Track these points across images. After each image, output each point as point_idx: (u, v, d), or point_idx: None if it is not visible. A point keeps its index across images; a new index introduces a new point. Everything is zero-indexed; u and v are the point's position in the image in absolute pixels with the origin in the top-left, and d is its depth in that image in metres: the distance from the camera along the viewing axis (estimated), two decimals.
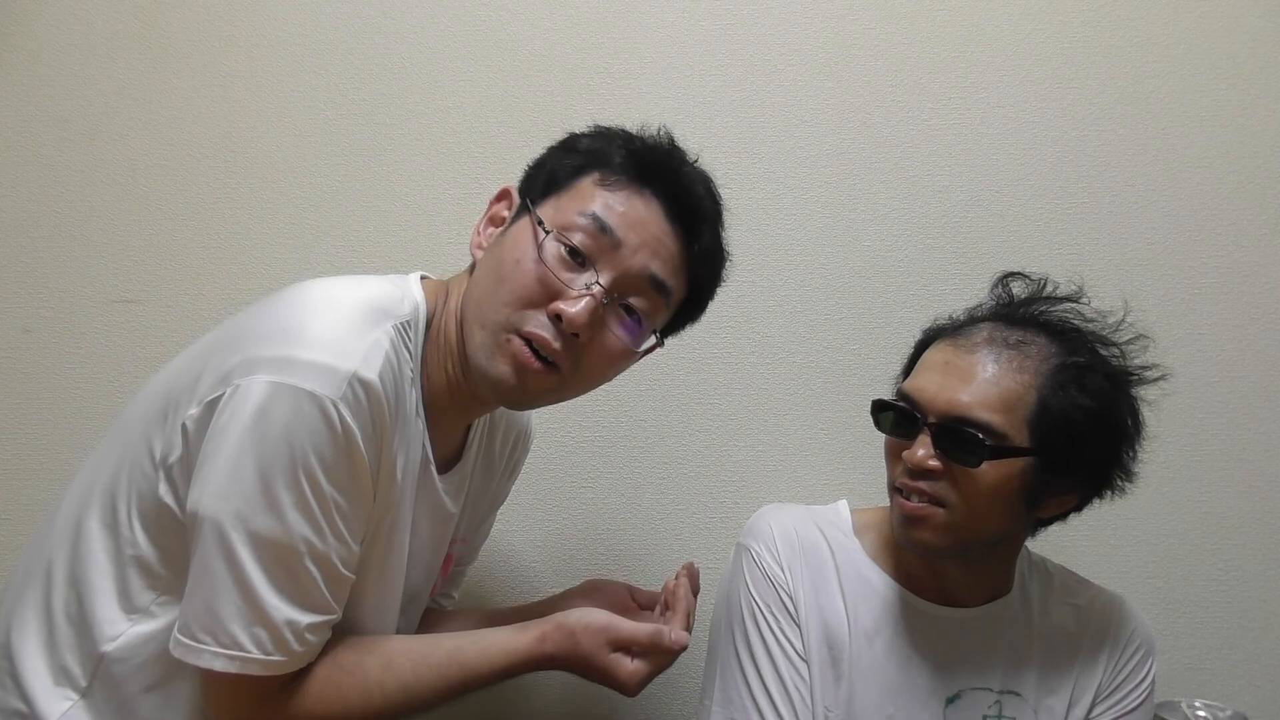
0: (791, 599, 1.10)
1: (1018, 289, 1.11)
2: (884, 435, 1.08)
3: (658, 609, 1.05)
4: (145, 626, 0.89)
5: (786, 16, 1.42)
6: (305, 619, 0.86)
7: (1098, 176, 1.43)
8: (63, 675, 0.90)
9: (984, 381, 1.00)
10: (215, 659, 0.84)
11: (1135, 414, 1.05)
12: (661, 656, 0.95)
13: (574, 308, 0.92)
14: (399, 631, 1.04)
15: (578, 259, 0.94)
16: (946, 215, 1.43)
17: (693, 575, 1.06)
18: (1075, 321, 1.06)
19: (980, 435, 0.98)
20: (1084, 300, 1.08)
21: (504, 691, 1.41)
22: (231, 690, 0.86)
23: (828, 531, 1.14)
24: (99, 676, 0.89)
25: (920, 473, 1.01)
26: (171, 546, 0.88)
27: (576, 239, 0.94)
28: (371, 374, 0.85)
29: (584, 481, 1.42)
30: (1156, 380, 1.06)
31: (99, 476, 0.93)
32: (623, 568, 1.42)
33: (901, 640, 1.09)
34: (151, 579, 0.90)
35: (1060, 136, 1.43)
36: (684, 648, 0.96)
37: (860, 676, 1.07)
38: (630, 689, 0.95)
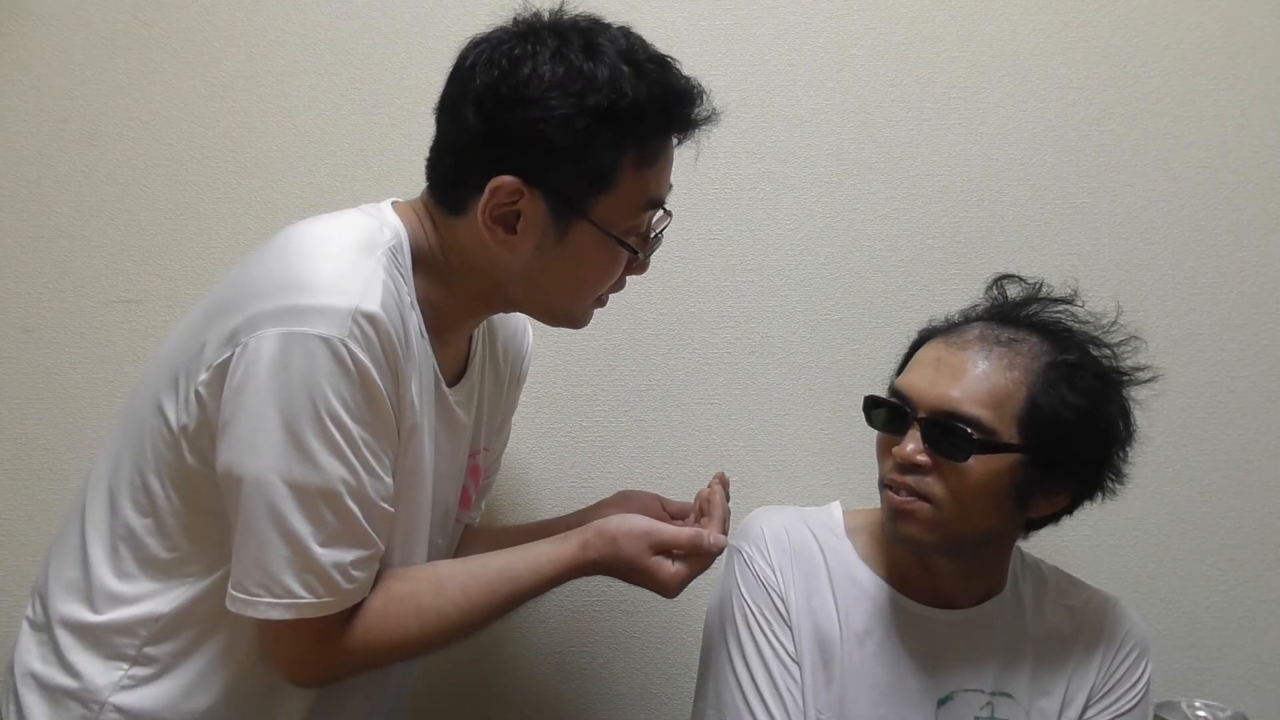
0: (783, 601, 1.10)
1: (1012, 291, 1.12)
2: (876, 432, 1.09)
3: (691, 516, 1.08)
4: (192, 589, 0.92)
5: (786, 16, 1.42)
6: (350, 556, 0.88)
7: (1098, 176, 1.43)
8: (112, 649, 0.92)
9: (974, 377, 1.01)
10: (271, 609, 0.86)
11: (1126, 415, 1.06)
12: (701, 559, 0.99)
13: (646, 265, 1.02)
14: (440, 551, 1.06)
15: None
16: (946, 215, 1.43)
17: (725, 483, 1.09)
18: (1068, 322, 1.07)
19: (969, 430, 0.99)
20: (1079, 303, 1.09)
21: (504, 689, 1.42)
22: (290, 636, 0.89)
23: (819, 533, 1.14)
24: (148, 645, 0.92)
25: (909, 468, 1.02)
26: (210, 508, 0.90)
27: (644, 231, 0.99)
28: (374, 306, 0.86)
29: (584, 481, 1.42)
30: (1148, 381, 1.07)
31: (122, 460, 0.95)
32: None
33: (893, 642, 1.09)
34: (198, 543, 0.92)
35: (1060, 136, 1.43)
36: (722, 550, 1.00)
37: (852, 678, 1.08)
38: (671, 590, 0.98)
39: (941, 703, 1.08)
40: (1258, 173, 1.43)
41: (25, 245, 1.40)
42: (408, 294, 0.93)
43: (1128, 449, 1.07)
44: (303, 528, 0.85)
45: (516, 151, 0.91)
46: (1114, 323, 1.08)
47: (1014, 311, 1.09)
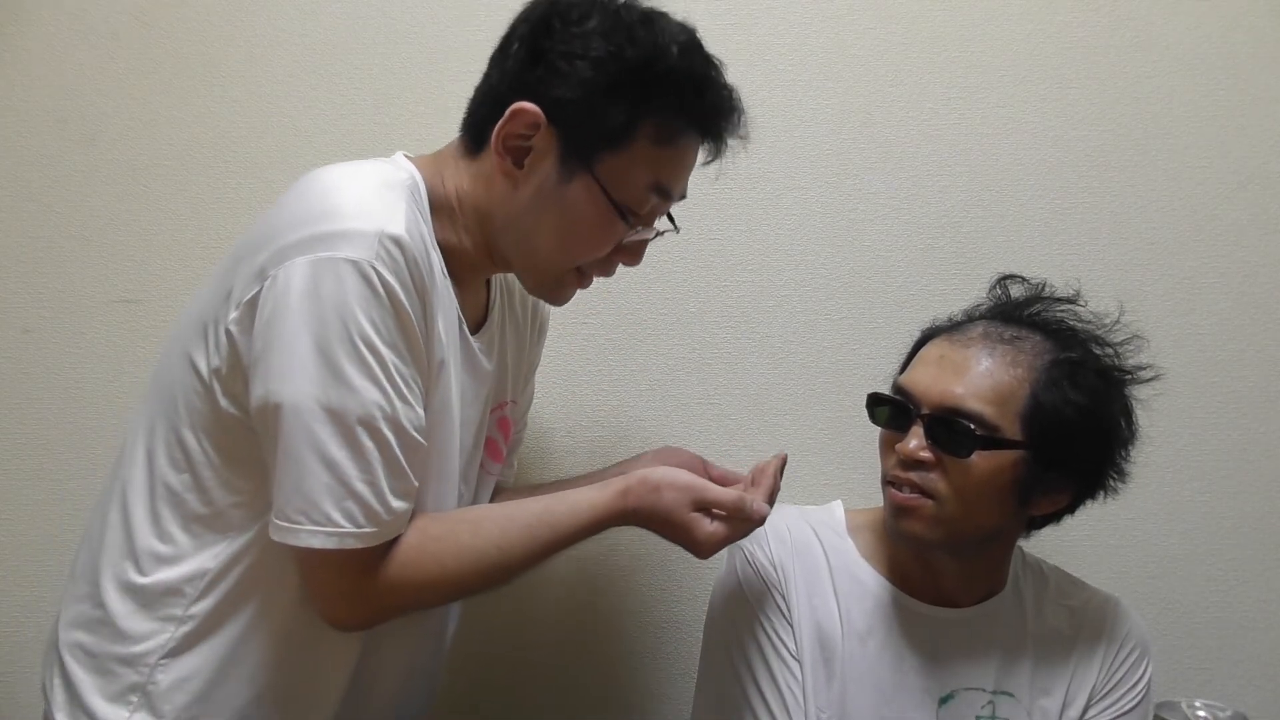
0: (784, 599, 1.10)
1: (1016, 291, 1.13)
2: (879, 429, 1.09)
3: (741, 485, 1.05)
4: (234, 543, 0.92)
5: (786, 16, 1.42)
6: (388, 485, 0.88)
7: (1098, 176, 1.43)
8: (158, 611, 0.93)
9: (977, 374, 1.01)
10: (313, 537, 0.86)
11: (1128, 413, 1.06)
12: (741, 524, 0.97)
13: (640, 256, 1.02)
14: (465, 500, 1.06)
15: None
16: (946, 215, 1.43)
17: (783, 460, 1.07)
18: (1071, 322, 1.08)
19: (972, 426, 0.99)
20: (1081, 303, 1.09)
21: (502, 690, 1.42)
22: (330, 567, 0.88)
23: (821, 532, 1.15)
24: (196, 602, 0.93)
25: (912, 464, 1.02)
26: (247, 455, 0.91)
27: (645, 213, 0.98)
28: (399, 229, 0.87)
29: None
30: (1150, 380, 1.07)
31: (157, 422, 0.95)
32: (623, 567, 1.42)
33: (895, 640, 1.09)
34: (235, 495, 0.92)
35: (1060, 136, 1.43)
36: (763, 519, 0.98)
37: (853, 677, 1.08)
38: (705, 550, 0.97)
39: (943, 701, 1.08)
40: (1258, 173, 1.43)
41: (25, 245, 1.40)
42: (428, 232, 0.94)
43: (1130, 448, 1.07)
44: (340, 454, 0.85)
45: (544, 79, 0.93)
46: (1116, 322, 1.08)
47: (1017, 310, 1.09)
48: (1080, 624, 1.12)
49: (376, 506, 0.87)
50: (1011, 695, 1.09)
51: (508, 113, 0.93)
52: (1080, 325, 1.08)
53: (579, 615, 1.42)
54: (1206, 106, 1.43)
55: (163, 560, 0.93)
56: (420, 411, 0.90)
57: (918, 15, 1.43)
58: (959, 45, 1.43)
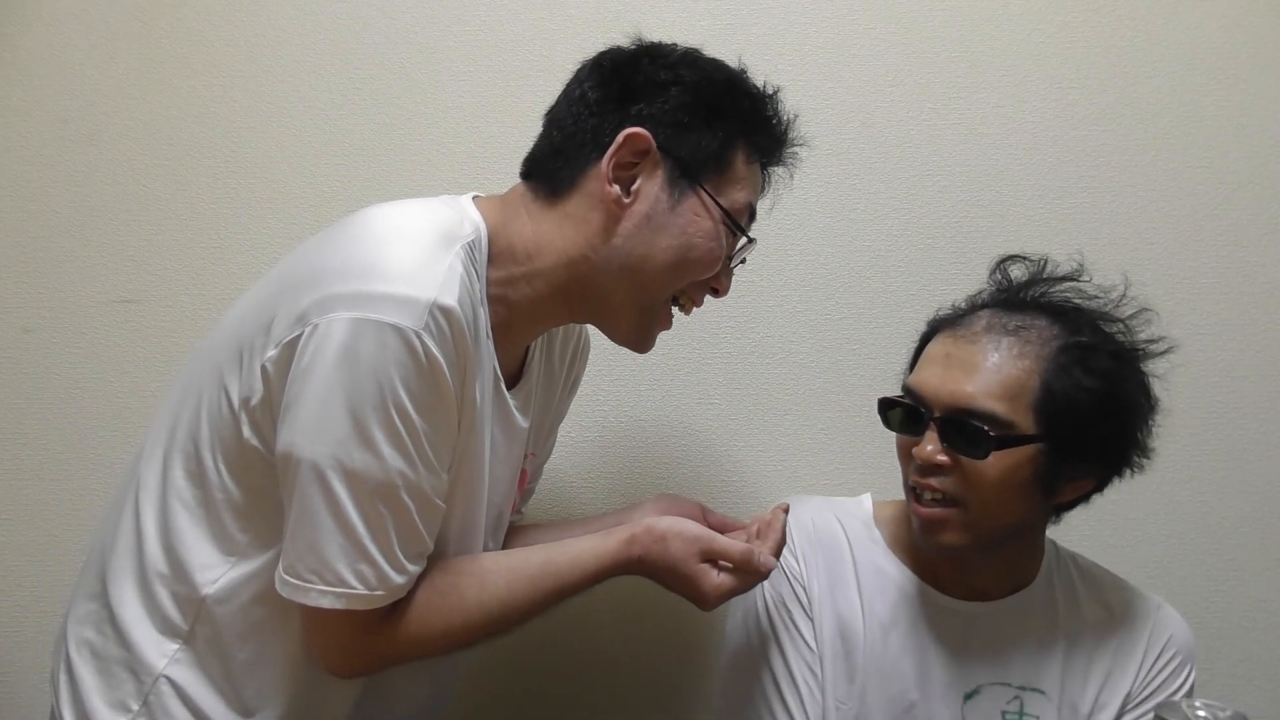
0: (805, 590, 1.09)
1: (1016, 272, 1.10)
2: (893, 434, 1.07)
3: (746, 536, 1.04)
4: (243, 568, 0.92)
5: (786, 16, 1.42)
6: (402, 550, 0.88)
7: (1098, 176, 1.43)
8: (164, 622, 0.93)
9: (986, 371, 0.99)
10: (323, 597, 0.86)
11: (1146, 389, 1.03)
12: (748, 576, 0.97)
13: (730, 281, 1.05)
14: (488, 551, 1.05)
15: None
16: (946, 215, 1.43)
17: (785, 510, 1.06)
18: (1076, 301, 1.05)
19: (985, 427, 0.97)
20: (1084, 278, 1.07)
21: (515, 699, 1.42)
22: (337, 625, 0.88)
23: (846, 523, 1.13)
24: (200, 621, 0.92)
25: (929, 469, 1.00)
26: (261, 486, 0.90)
27: (745, 224, 1.01)
28: (451, 300, 0.86)
29: (584, 482, 1.42)
30: (1164, 354, 1.05)
31: (178, 427, 0.94)
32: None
33: (919, 633, 1.07)
34: (245, 520, 0.92)
35: (1060, 136, 1.43)
36: (769, 572, 0.97)
37: (875, 670, 1.06)
38: (711, 602, 0.96)
39: (968, 697, 1.06)
40: (1258, 173, 1.43)
41: (25, 245, 1.40)
42: (479, 291, 0.93)
43: (1151, 423, 1.04)
44: (357, 518, 0.85)
45: (644, 109, 0.96)
46: (1123, 295, 1.06)
47: (1020, 294, 1.07)
48: (1118, 623, 1.09)
49: (389, 570, 0.87)
50: (1041, 691, 1.06)
51: (620, 138, 0.94)
52: (1085, 303, 1.05)
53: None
54: (1206, 106, 1.43)
55: (170, 572, 0.93)
56: (445, 477, 0.90)
57: (918, 15, 1.43)
58: (959, 45, 1.43)
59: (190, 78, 1.40)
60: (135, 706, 0.92)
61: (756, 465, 1.42)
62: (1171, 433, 1.40)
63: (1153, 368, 1.05)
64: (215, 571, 0.92)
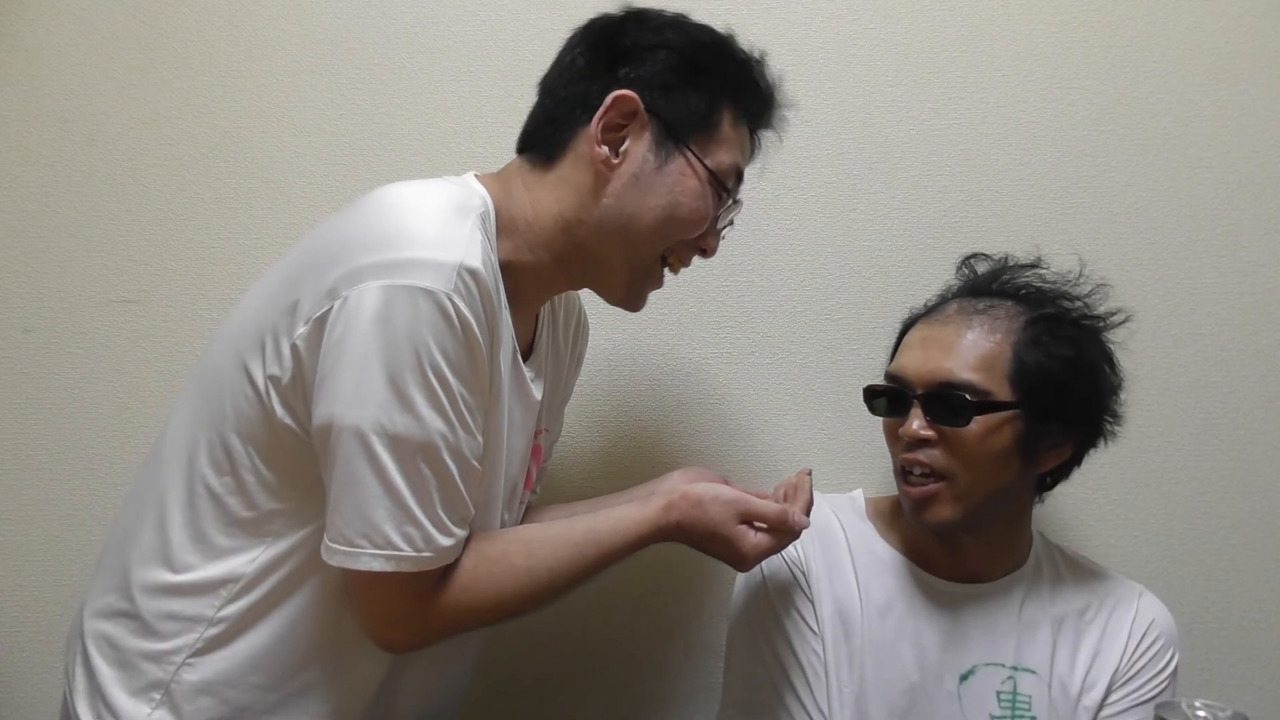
0: (805, 575, 1.13)
1: (981, 267, 1.19)
2: (880, 421, 1.13)
3: (774, 498, 1.06)
4: (275, 548, 0.92)
5: (786, 16, 1.42)
6: (446, 513, 0.88)
7: (1098, 176, 1.43)
8: (191, 609, 0.93)
9: (962, 347, 1.06)
10: (374, 560, 0.86)
11: (1110, 358, 1.12)
12: (784, 535, 0.99)
13: (717, 242, 1.06)
14: (505, 526, 1.06)
15: None
16: (946, 215, 1.43)
17: (809, 474, 1.08)
18: (1037, 284, 1.14)
19: (966, 395, 1.04)
20: (1044, 267, 1.15)
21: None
22: (386, 590, 0.89)
23: (841, 514, 1.18)
24: (227, 605, 0.92)
25: (916, 444, 1.06)
26: (295, 466, 0.91)
27: (731, 189, 1.03)
28: (476, 262, 0.87)
29: (583, 484, 1.42)
30: (1123, 323, 1.13)
31: (200, 418, 0.95)
32: (623, 567, 1.42)
33: (914, 615, 1.11)
34: (279, 501, 0.92)
35: (1060, 136, 1.43)
36: (803, 530, 1.00)
37: (872, 652, 1.10)
38: (749, 561, 0.99)
39: (964, 678, 1.10)
40: (1258, 173, 1.43)
41: (25, 245, 1.40)
42: (494, 259, 0.94)
43: (1119, 391, 1.12)
44: (402, 481, 0.86)
45: (631, 72, 0.98)
46: (1080, 275, 1.14)
47: (986, 284, 1.15)
48: (1103, 608, 1.15)
49: (435, 533, 0.88)
50: (1033, 671, 1.11)
51: (609, 100, 0.96)
52: (1047, 285, 1.13)
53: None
54: (1206, 106, 1.43)
55: (196, 561, 0.93)
56: (480, 439, 0.91)
57: (918, 15, 1.43)
58: (959, 45, 1.43)
59: (190, 78, 1.40)
60: (157, 696, 0.93)
61: (757, 465, 1.42)
62: (1172, 433, 1.41)
63: (1114, 337, 1.13)
64: (245, 556, 0.92)
